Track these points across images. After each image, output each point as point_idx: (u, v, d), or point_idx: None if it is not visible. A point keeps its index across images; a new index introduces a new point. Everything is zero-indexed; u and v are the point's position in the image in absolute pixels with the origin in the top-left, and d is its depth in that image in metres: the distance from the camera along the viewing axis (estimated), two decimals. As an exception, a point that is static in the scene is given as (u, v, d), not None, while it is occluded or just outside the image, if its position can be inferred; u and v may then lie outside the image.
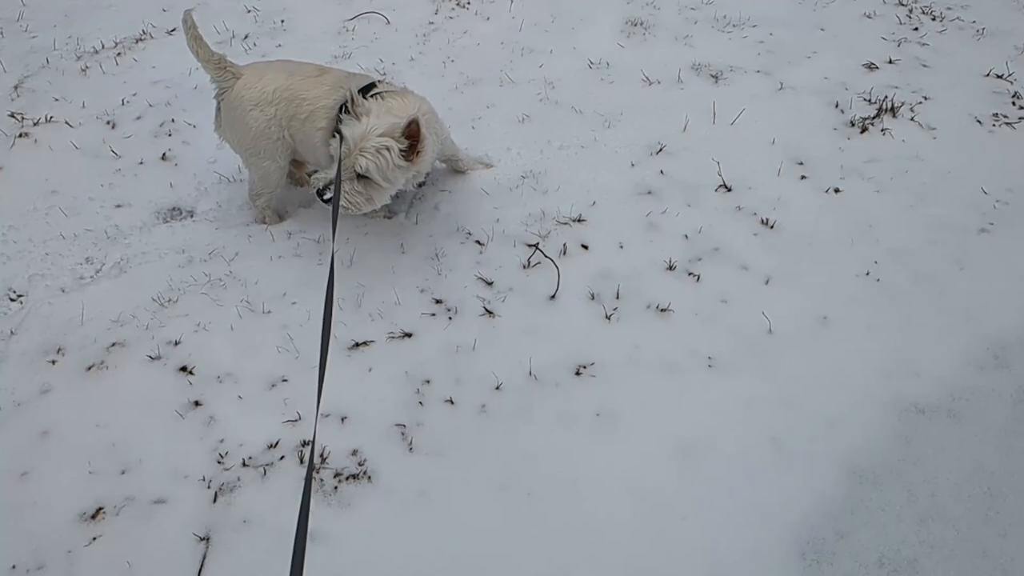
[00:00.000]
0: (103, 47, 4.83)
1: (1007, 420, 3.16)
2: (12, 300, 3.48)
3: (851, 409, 3.18)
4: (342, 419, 3.06)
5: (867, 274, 3.64)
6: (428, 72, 4.72)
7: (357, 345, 3.29)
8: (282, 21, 5.05)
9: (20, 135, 4.26)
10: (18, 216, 3.86)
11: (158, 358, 3.22)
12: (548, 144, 4.26)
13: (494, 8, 5.24)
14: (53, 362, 3.22)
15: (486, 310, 3.43)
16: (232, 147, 3.61)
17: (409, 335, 3.33)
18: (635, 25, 5.13)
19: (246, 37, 4.92)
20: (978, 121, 4.44)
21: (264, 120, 3.42)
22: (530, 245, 3.68)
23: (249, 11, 5.13)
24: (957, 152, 4.25)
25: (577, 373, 3.25)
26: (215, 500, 2.85)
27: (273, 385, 3.16)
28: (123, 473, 2.94)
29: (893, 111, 4.45)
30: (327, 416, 3.06)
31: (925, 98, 4.58)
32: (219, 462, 2.94)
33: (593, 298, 3.51)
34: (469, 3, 5.26)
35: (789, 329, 3.43)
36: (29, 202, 3.92)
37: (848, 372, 3.30)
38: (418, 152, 3.17)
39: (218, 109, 3.51)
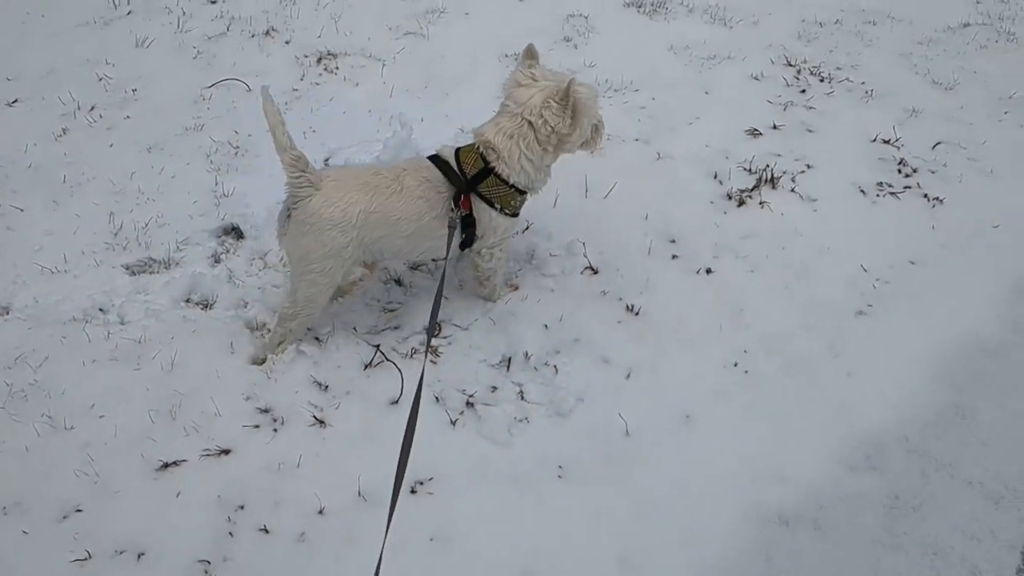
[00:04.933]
0: (-66, 122, 4.48)
1: (875, 530, 2.93)
2: None
3: (709, 520, 2.93)
4: (138, 556, 2.72)
5: (735, 365, 3.42)
6: (286, 144, 4.41)
7: (166, 465, 2.95)
8: (134, 90, 4.71)
9: None
10: None
11: (-64, 488, 2.87)
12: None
13: (364, 72, 4.96)
14: None
15: (316, 419, 3.13)
16: (290, 260, 3.25)
17: (227, 452, 3.01)
18: (513, 90, 4.89)
19: (92, 108, 4.56)
20: (862, 191, 4.28)
21: (344, 241, 3.08)
22: (372, 345, 3.38)
23: (100, 79, 4.80)
24: (838, 226, 4.08)
25: (413, 491, 2.96)
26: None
27: (65, 516, 2.80)
28: None
29: (773, 182, 4.27)
30: (121, 553, 2.73)
31: (808, 166, 4.41)
32: (-12, 616, 2.59)
33: (438, 401, 3.23)
34: (338, 68, 4.98)
35: (648, 430, 3.18)
36: None
37: (709, 478, 3.05)
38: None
39: (287, 217, 3.13)
